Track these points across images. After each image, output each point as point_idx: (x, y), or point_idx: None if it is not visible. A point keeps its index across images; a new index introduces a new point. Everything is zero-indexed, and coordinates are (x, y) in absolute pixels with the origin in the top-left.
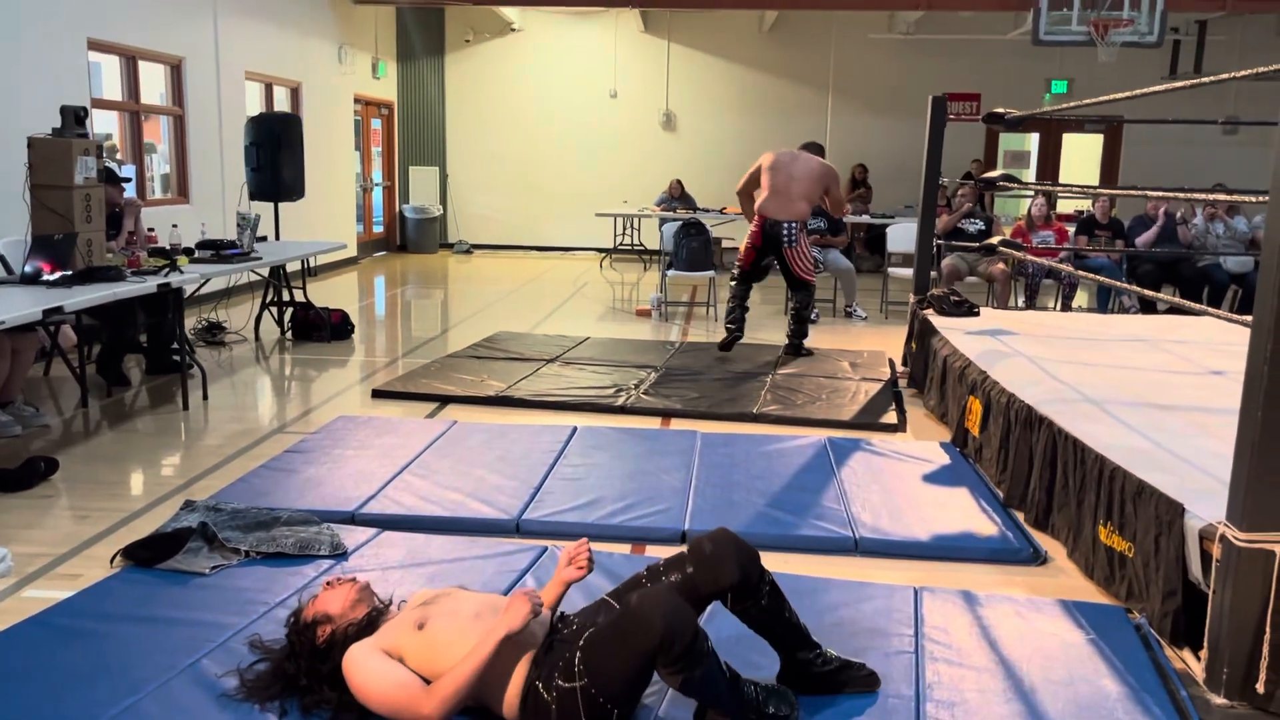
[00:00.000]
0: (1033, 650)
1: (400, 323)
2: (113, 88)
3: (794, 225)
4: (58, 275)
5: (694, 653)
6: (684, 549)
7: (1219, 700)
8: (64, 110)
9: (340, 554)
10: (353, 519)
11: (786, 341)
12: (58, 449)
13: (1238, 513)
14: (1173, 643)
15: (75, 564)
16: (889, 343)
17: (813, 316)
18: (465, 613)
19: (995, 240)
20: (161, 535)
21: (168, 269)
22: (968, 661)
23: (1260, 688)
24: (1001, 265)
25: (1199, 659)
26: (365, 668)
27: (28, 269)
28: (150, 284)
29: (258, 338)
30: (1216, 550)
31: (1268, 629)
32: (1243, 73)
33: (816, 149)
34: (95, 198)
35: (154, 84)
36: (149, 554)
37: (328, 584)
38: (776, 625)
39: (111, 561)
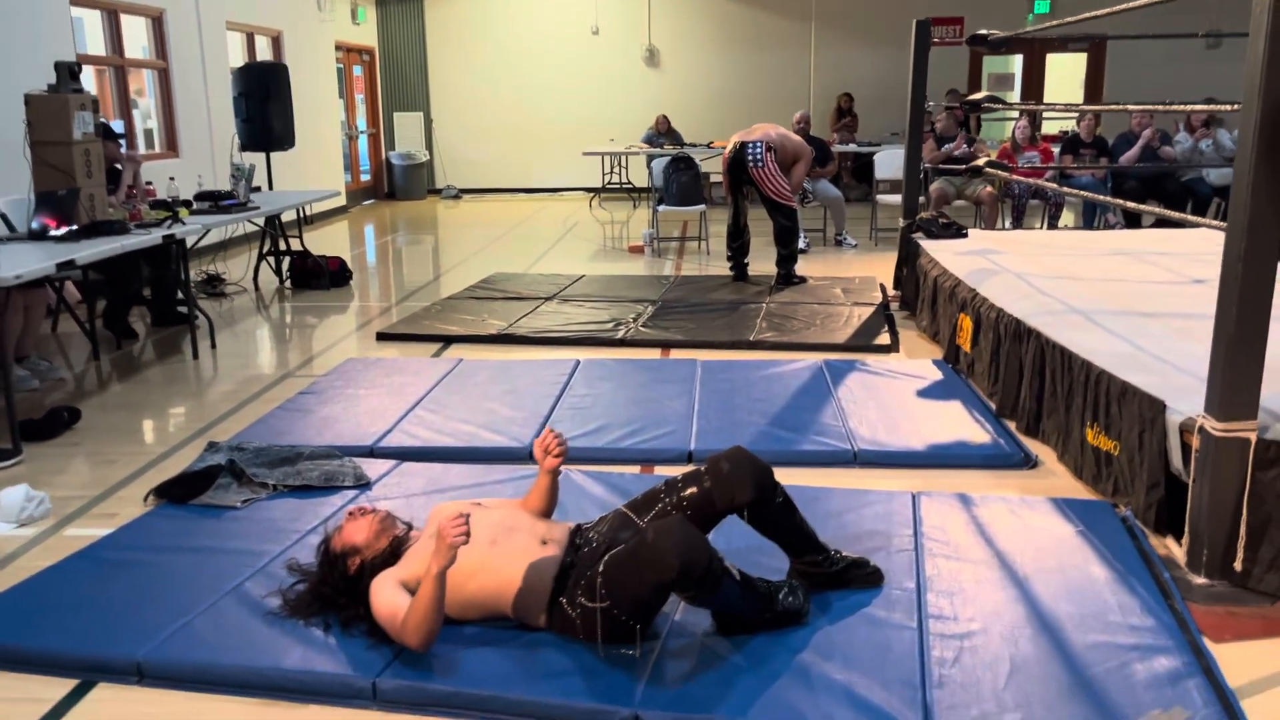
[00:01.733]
0: (1025, 543)
1: (395, 269)
2: (96, 43)
3: (758, 146)
4: (64, 230)
5: (708, 580)
6: (701, 466)
7: (1200, 580)
8: (58, 66)
9: (364, 484)
10: (371, 452)
11: (776, 272)
12: (75, 400)
13: (1214, 405)
14: (1156, 531)
15: (109, 504)
16: (879, 268)
17: (803, 246)
18: (482, 539)
19: (981, 162)
20: (192, 473)
21: (170, 220)
22: (965, 556)
23: (1238, 566)
24: (989, 189)
25: (1181, 545)
26: (379, 598)
27: (34, 225)
28: (155, 235)
29: (257, 288)
30: (1196, 441)
31: (1244, 512)
32: None
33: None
34: (94, 152)
35: (136, 38)
36: (182, 491)
37: (350, 514)
38: (788, 533)
39: (145, 500)
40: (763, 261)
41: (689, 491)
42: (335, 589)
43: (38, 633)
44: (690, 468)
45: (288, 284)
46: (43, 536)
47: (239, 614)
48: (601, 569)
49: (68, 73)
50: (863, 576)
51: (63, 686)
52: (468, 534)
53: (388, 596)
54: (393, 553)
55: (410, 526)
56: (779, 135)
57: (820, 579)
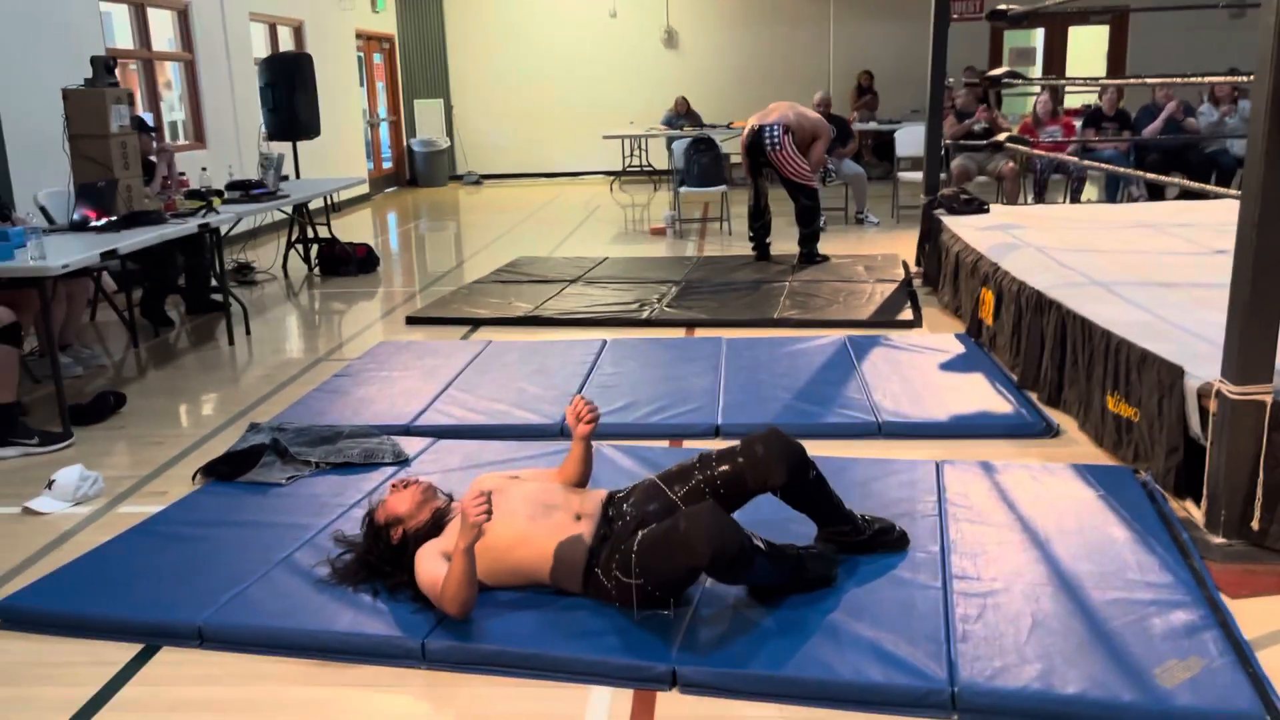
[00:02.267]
0: (1047, 508)
1: (420, 254)
2: (124, 37)
3: (775, 128)
4: (104, 221)
5: (738, 564)
6: (736, 444)
7: (1218, 539)
8: (94, 61)
9: (403, 461)
10: (407, 431)
11: (799, 251)
12: (117, 386)
13: (1231, 369)
14: (1176, 495)
15: (159, 483)
16: (901, 246)
17: (822, 224)
18: (521, 515)
19: (1003, 137)
20: (238, 452)
21: (205, 210)
22: (987, 520)
23: (1255, 525)
24: (1010, 164)
25: (1199, 507)
26: (421, 568)
27: (75, 217)
28: (192, 225)
29: (286, 275)
30: (1213, 405)
31: (1261, 472)
32: None
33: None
34: (131, 145)
35: (162, 31)
36: (229, 469)
37: (394, 486)
38: (817, 508)
39: (193, 479)
40: (785, 240)
41: (723, 469)
42: (380, 558)
43: (103, 601)
44: (720, 442)
45: (316, 271)
46: (98, 514)
47: (291, 582)
48: (636, 548)
49: (104, 67)
50: (889, 541)
51: (128, 650)
52: (489, 512)
53: (429, 566)
54: (435, 524)
55: (451, 498)
56: (796, 115)
57: (848, 546)
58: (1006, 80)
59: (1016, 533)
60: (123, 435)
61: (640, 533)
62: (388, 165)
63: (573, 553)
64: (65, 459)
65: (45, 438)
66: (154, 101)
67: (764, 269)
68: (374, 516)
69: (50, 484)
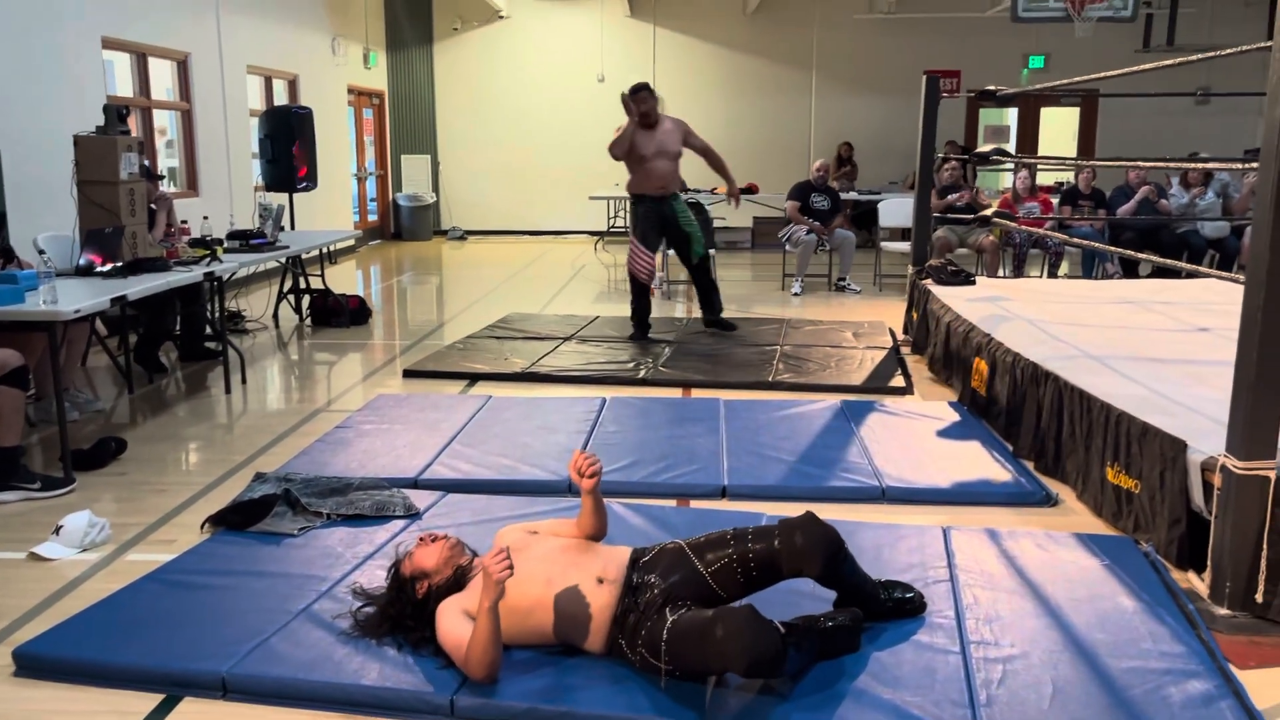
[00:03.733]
0: (1055, 575)
1: (411, 308)
2: (124, 85)
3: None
4: (109, 267)
5: (774, 670)
6: (774, 526)
7: (1223, 611)
8: (107, 109)
9: (414, 514)
10: (415, 484)
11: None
12: (114, 432)
13: (1236, 444)
14: (1178, 566)
15: (167, 531)
16: (886, 313)
17: (797, 290)
18: (539, 577)
19: (989, 212)
20: (249, 501)
21: (209, 259)
22: (998, 586)
23: (1259, 598)
24: (991, 237)
25: (1203, 579)
26: (443, 627)
27: (81, 262)
28: (197, 273)
29: (277, 325)
30: (1217, 480)
31: (1265, 546)
32: (1227, 51)
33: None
34: (138, 192)
35: (161, 80)
36: (240, 518)
37: (421, 539)
38: (844, 589)
39: (201, 527)
40: (771, 305)
41: (758, 548)
42: (402, 612)
43: (122, 649)
44: (727, 503)
45: (308, 321)
46: (106, 561)
47: (313, 633)
48: (666, 636)
49: (116, 115)
50: (906, 610)
51: (150, 700)
52: (511, 567)
53: (451, 625)
54: (457, 581)
55: (474, 554)
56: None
57: (869, 614)
58: (995, 157)
59: (1028, 599)
60: (125, 482)
61: (671, 617)
62: (373, 218)
63: (595, 620)
64: (67, 504)
65: (47, 482)
66: (152, 148)
67: (756, 331)
68: (400, 569)
69: (58, 529)
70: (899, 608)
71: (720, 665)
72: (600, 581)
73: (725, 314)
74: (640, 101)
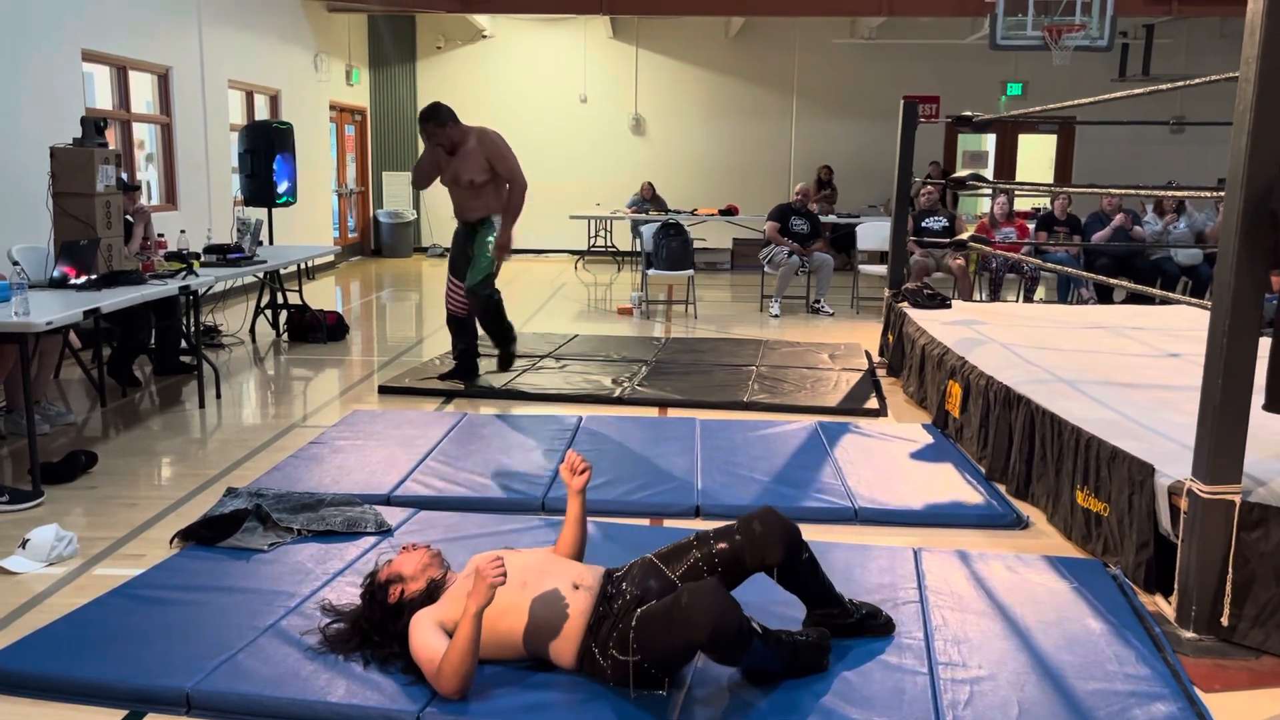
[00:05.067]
0: (1024, 597)
1: (390, 324)
2: (104, 98)
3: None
4: (83, 279)
5: (736, 644)
6: (733, 523)
7: (1189, 634)
8: (84, 121)
9: (385, 530)
10: (388, 501)
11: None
12: (86, 445)
13: (1202, 469)
14: (1145, 589)
15: (136, 545)
16: (862, 336)
17: (775, 312)
18: (514, 581)
19: (965, 236)
20: (220, 516)
21: (185, 272)
22: (967, 608)
23: (1225, 621)
24: (960, 260)
25: (1169, 602)
26: (416, 638)
27: (55, 274)
28: (172, 286)
29: (254, 339)
30: (1184, 504)
31: (1230, 570)
32: (1198, 80)
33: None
34: (115, 204)
35: (141, 93)
36: (210, 533)
37: (404, 548)
38: (810, 589)
39: (171, 542)
40: (747, 325)
41: (720, 547)
42: (372, 622)
43: (87, 665)
44: (700, 522)
45: (284, 336)
46: (72, 576)
47: (280, 649)
48: (635, 624)
49: (94, 127)
50: (876, 626)
51: (112, 716)
52: (505, 574)
53: (425, 637)
54: (430, 593)
55: (448, 569)
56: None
57: (836, 629)
58: (971, 182)
59: (997, 621)
60: (94, 496)
61: (640, 609)
62: (353, 234)
63: (569, 625)
64: (35, 518)
65: (15, 495)
66: (130, 162)
67: (733, 351)
68: (376, 574)
69: (24, 543)
70: (865, 622)
71: (685, 636)
72: (576, 587)
73: (700, 334)
74: (428, 135)
